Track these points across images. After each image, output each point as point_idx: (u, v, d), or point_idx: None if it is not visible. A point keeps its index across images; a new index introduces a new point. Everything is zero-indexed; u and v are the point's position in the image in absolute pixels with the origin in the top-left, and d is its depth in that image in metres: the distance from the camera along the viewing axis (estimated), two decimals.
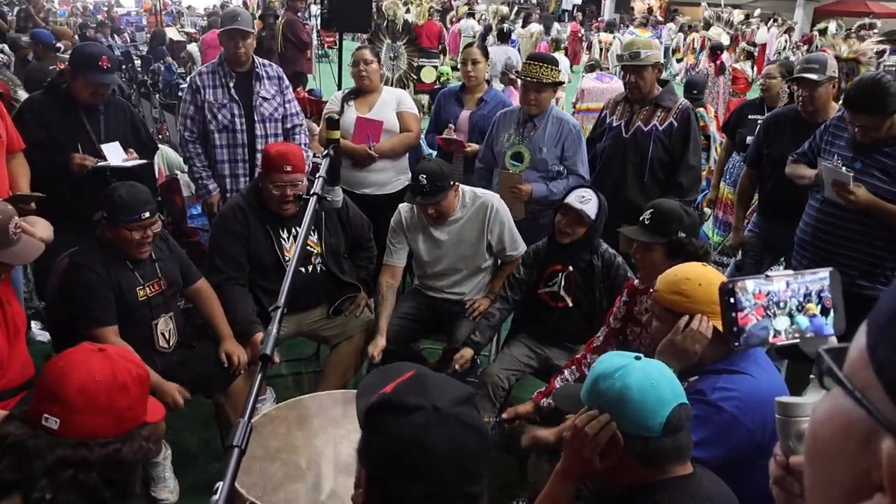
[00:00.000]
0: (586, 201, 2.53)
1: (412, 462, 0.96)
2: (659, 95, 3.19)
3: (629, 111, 3.25)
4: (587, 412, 1.35)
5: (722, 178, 4.30)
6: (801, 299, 0.93)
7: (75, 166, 2.89)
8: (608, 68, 11.66)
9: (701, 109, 4.89)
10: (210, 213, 3.48)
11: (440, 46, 10.75)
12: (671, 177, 3.18)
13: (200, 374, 2.48)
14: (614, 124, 3.27)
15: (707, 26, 12.94)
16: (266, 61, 3.56)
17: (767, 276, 0.94)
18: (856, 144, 2.59)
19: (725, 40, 9.39)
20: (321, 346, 3.29)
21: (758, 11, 18.13)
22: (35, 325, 3.35)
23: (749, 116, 4.04)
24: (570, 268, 2.63)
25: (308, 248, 2.78)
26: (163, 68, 7.70)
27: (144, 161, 3.07)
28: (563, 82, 3.73)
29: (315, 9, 11.01)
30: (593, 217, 2.53)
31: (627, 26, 16.06)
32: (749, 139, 3.68)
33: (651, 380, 1.32)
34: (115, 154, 3.01)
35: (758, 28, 16.09)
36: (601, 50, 14.02)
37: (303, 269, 2.76)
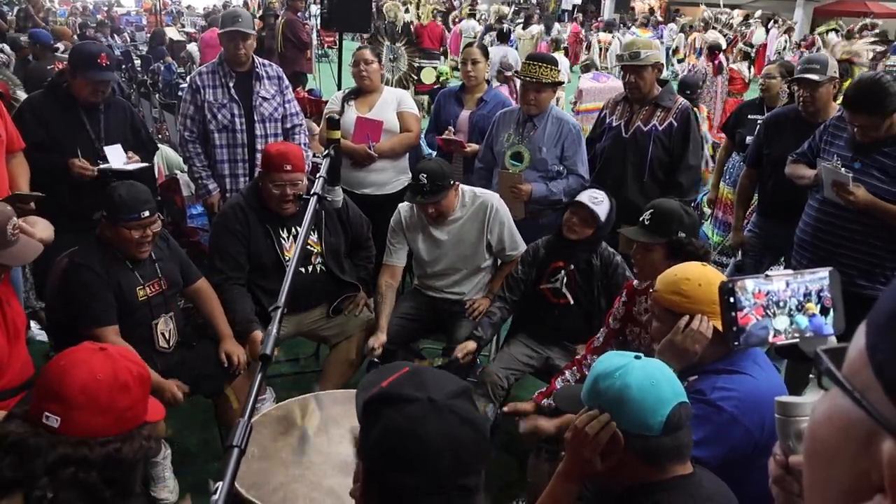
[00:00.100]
0: (599, 203, 2.54)
1: (407, 454, 0.96)
2: (659, 95, 3.19)
3: (629, 111, 3.25)
4: (587, 412, 1.35)
5: (722, 178, 4.30)
6: (801, 299, 0.93)
7: (76, 173, 2.89)
8: (607, 68, 11.67)
9: (694, 109, 4.89)
10: (210, 213, 3.48)
11: (441, 48, 10.75)
12: (671, 177, 3.18)
13: (200, 374, 2.48)
14: (614, 124, 3.28)
15: (706, 27, 12.95)
16: (266, 61, 3.56)
17: (767, 275, 0.94)
18: (855, 144, 2.60)
19: (723, 43, 9.38)
20: (321, 346, 3.29)
21: (759, 13, 18.14)
22: (34, 326, 3.35)
23: (749, 116, 4.05)
24: (572, 266, 2.64)
25: (308, 247, 2.78)
26: (162, 68, 7.70)
27: (146, 165, 3.07)
28: (563, 82, 3.73)
29: (315, 9, 11.01)
30: (603, 220, 2.54)
31: (629, 27, 16.06)
32: (749, 139, 3.68)
33: (651, 379, 1.32)
34: (116, 156, 3.01)
35: (755, 29, 16.09)
36: (600, 50, 14.04)
37: (303, 270, 2.76)
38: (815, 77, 3.05)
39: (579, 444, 1.33)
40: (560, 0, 22.36)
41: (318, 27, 9.87)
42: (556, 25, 16.99)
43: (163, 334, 2.48)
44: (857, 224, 2.59)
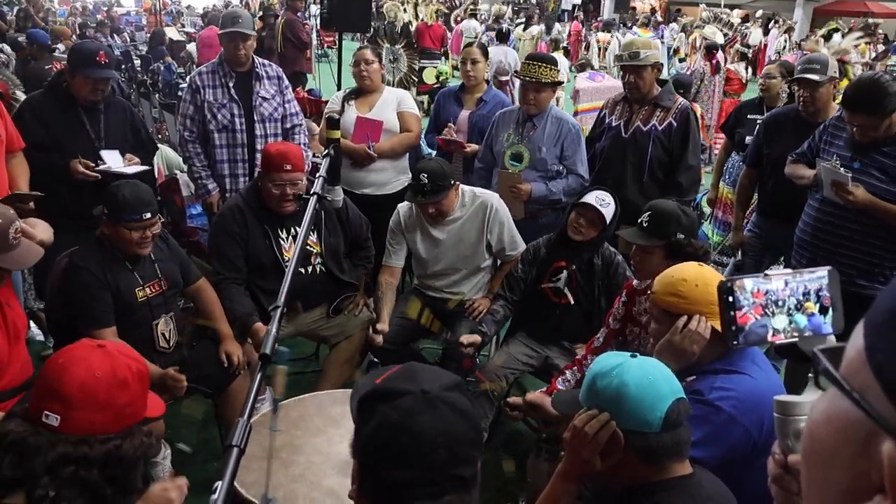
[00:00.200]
0: (606, 205, 2.54)
1: (401, 447, 0.96)
2: (658, 95, 3.19)
3: (628, 111, 3.25)
4: (586, 412, 1.35)
5: (721, 178, 4.30)
6: (800, 298, 0.93)
7: (78, 176, 2.89)
8: (605, 67, 11.66)
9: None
10: (209, 213, 3.48)
11: (442, 49, 10.76)
12: (670, 176, 3.18)
13: (200, 374, 2.48)
14: (613, 124, 3.28)
15: (704, 24, 12.95)
16: (266, 61, 3.56)
17: (766, 274, 0.94)
18: (854, 144, 2.60)
19: (720, 39, 9.36)
20: (321, 346, 3.29)
21: (759, 12, 18.13)
22: (32, 326, 3.35)
23: (748, 116, 4.05)
24: (574, 266, 2.64)
25: (308, 248, 2.78)
26: (162, 68, 7.71)
27: (146, 168, 3.06)
28: (563, 82, 3.73)
29: (315, 8, 11.01)
30: (608, 221, 2.54)
31: (630, 27, 16.06)
32: (748, 139, 3.68)
33: (648, 376, 1.32)
34: (114, 161, 3.01)
35: (752, 30, 16.09)
36: (599, 49, 14.05)
37: (302, 270, 2.76)
38: (815, 77, 3.05)
39: (579, 444, 1.33)
40: (560, 0, 22.36)
41: (318, 27, 9.87)
42: (557, 26, 17.00)
43: (163, 335, 2.48)
44: (857, 224, 2.59)
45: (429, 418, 0.96)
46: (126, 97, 6.20)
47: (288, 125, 3.49)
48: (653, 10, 20.31)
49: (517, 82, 4.69)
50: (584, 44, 16.21)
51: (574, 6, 21.32)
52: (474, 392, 2.63)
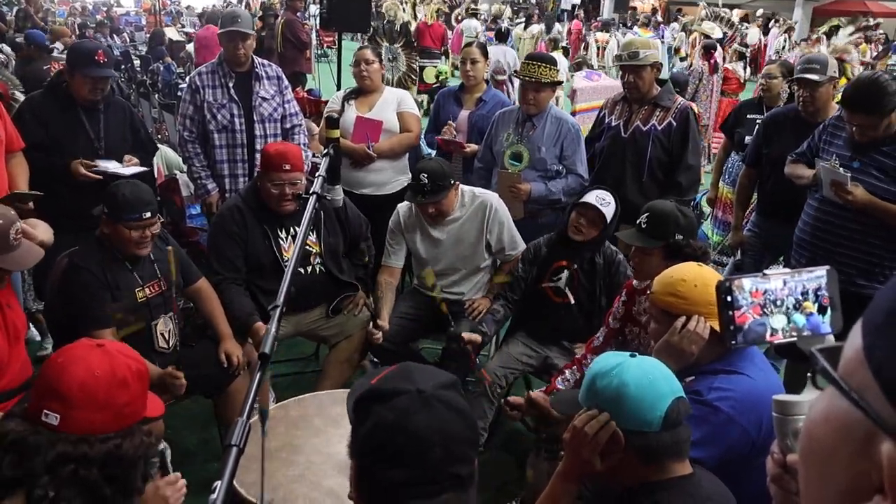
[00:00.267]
0: (606, 204, 2.54)
1: (397, 447, 0.96)
2: (658, 95, 3.19)
3: (628, 111, 3.25)
4: (586, 412, 1.35)
5: (721, 178, 4.30)
6: (799, 297, 0.93)
7: (80, 177, 2.89)
8: (604, 67, 11.66)
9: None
10: (209, 213, 3.48)
11: (443, 48, 10.75)
12: (670, 176, 3.18)
13: (200, 375, 2.47)
14: (613, 124, 3.27)
15: (710, 18, 12.91)
16: (265, 61, 3.56)
17: (764, 274, 0.94)
18: (854, 144, 2.60)
19: (718, 33, 9.34)
20: (320, 346, 3.29)
21: (760, 11, 18.14)
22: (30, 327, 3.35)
23: (748, 116, 4.05)
24: (575, 266, 2.63)
25: (307, 247, 2.78)
26: (162, 68, 7.71)
27: (144, 169, 3.06)
28: (562, 82, 3.73)
29: (314, 8, 11.00)
30: (609, 220, 2.54)
31: (630, 27, 16.05)
32: (748, 139, 3.68)
33: (648, 375, 1.32)
34: (112, 163, 3.00)
35: (749, 29, 16.07)
36: (598, 49, 14.05)
37: (302, 270, 2.76)
38: (814, 77, 3.05)
39: (579, 444, 1.33)
40: (559, 0, 22.36)
41: (318, 27, 9.86)
42: (557, 26, 17.00)
43: (162, 335, 2.48)
44: (856, 223, 2.59)
45: (424, 417, 0.96)
46: (126, 97, 6.20)
47: (287, 125, 3.49)
48: (654, 10, 20.29)
49: (516, 82, 4.69)
50: (583, 43, 16.20)
51: (573, 6, 21.32)
52: (474, 391, 2.63)
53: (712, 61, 7.54)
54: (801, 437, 0.49)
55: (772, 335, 0.94)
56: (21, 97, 3.89)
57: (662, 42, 13.71)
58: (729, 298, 0.94)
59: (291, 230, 2.76)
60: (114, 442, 1.27)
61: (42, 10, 11.58)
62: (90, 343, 1.37)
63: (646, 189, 3.15)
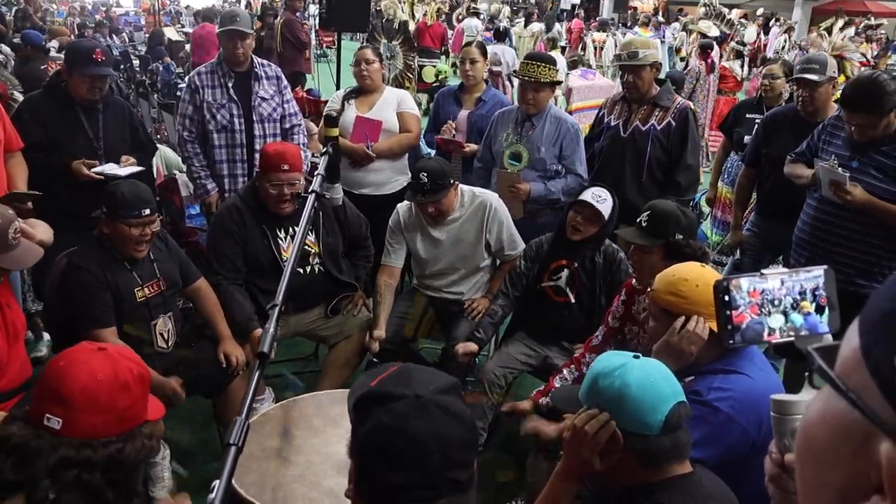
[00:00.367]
0: (602, 201, 2.53)
1: (395, 450, 0.97)
2: (657, 95, 3.19)
3: (627, 110, 3.25)
4: (586, 411, 1.35)
5: (720, 178, 4.30)
6: (796, 297, 0.93)
7: (82, 177, 2.89)
8: (602, 67, 11.65)
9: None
10: (208, 213, 3.48)
11: (442, 48, 10.75)
12: (669, 176, 3.18)
13: (199, 375, 2.48)
14: (612, 124, 3.27)
15: (709, 16, 12.90)
16: (265, 61, 3.56)
17: (762, 273, 0.95)
18: (853, 143, 2.60)
19: (715, 32, 9.34)
20: (319, 346, 3.29)
21: (760, 11, 18.13)
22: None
23: (747, 115, 4.04)
24: (576, 265, 2.63)
25: (306, 248, 2.78)
26: (161, 68, 7.70)
27: (141, 169, 3.06)
28: (562, 81, 3.74)
29: (313, 8, 11.00)
30: (607, 217, 2.53)
31: (630, 26, 16.03)
32: (747, 138, 3.68)
33: (650, 378, 1.32)
34: (109, 165, 3.00)
35: (746, 28, 16.06)
36: (595, 49, 14.03)
37: (301, 270, 2.76)
38: (814, 77, 3.05)
39: (578, 444, 1.33)
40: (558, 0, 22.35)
41: (317, 27, 9.86)
42: (557, 25, 16.99)
43: (161, 335, 2.48)
44: (855, 223, 2.59)
45: (422, 422, 0.97)
46: (125, 97, 6.20)
47: (287, 125, 3.49)
48: (656, 10, 20.27)
49: (516, 81, 4.68)
50: (581, 43, 16.18)
51: (573, 6, 21.30)
52: (474, 391, 2.63)
53: (709, 60, 7.55)
54: (798, 436, 0.48)
55: (769, 335, 0.94)
56: (20, 97, 3.89)
57: (663, 42, 13.69)
58: (726, 298, 0.94)
59: (290, 230, 2.75)
60: (116, 446, 1.27)
61: (41, 10, 11.57)
62: (92, 346, 1.37)
63: (645, 189, 3.15)
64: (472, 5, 15.00)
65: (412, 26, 10.54)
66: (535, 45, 12.35)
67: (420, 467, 0.96)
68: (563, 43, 12.90)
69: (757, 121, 3.65)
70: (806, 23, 19.15)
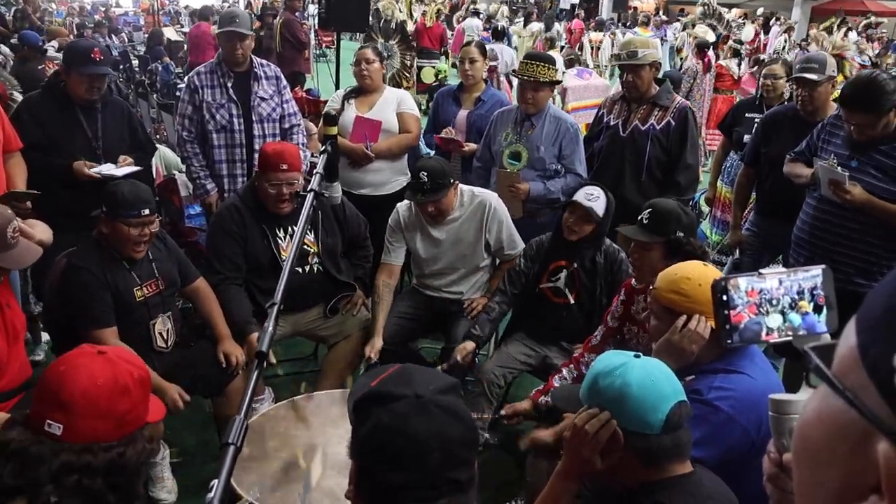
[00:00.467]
0: (595, 199, 2.53)
1: (395, 450, 0.97)
2: (656, 94, 3.19)
3: (626, 110, 3.25)
4: (587, 411, 1.35)
5: (720, 177, 4.30)
6: (794, 297, 0.93)
7: (83, 178, 2.89)
8: (598, 66, 11.65)
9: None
10: (208, 213, 3.48)
11: (442, 48, 10.75)
12: (669, 176, 3.18)
13: (198, 375, 2.48)
14: (611, 123, 3.28)
15: (706, 15, 12.92)
16: (264, 61, 3.56)
17: (760, 273, 0.95)
18: (852, 143, 2.60)
19: (711, 37, 9.35)
20: (319, 346, 3.29)
21: (760, 10, 18.14)
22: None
23: (746, 115, 4.04)
24: (575, 265, 2.63)
25: (305, 247, 2.78)
26: (160, 68, 7.70)
27: (138, 169, 3.06)
28: (561, 81, 3.74)
29: (313, 8, 10.99)
30: (601, 215, 2.53)
31: (629, 26, 16.03)
32: (746, 138, 3.68)
33: (651, 377, 1.32)
34: (106, 166, 3.00)
35: (744, 26, 16.05)
36: (592, 49, 14.05)
37: (300, 270, 2.76)
38: (813, 77, 3.05)
39: (579, 443, 1.33)
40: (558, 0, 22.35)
41: (316, 27, 9.85)
42: (556, 25, 16.99)
43: (160, 334, 2.48)
44: (855, 222, 2.59)
45: (422, 422, 0.97)
46: (124, 97, 6.20)
47: (286, 125, 3.49)
48: (657, 10, 20.26)
49: (515, 81, 4.68)
50: (578, 43, 16.17)
51: (572, 5, 21.30)
52: (473, 391, 2.63)
53: (706, 60, 7.55)
54: (795, 436, 0.48)
55: (767, 334, 0.94)
56: (20, 97, 3.89)
57: (665, 41, 13.67)
58: (724, 297, 0.94)
59: (290, 229, 2.75)
60: (117, 450, 1.27)
61: (39, 10, 11.56)
62: (92, 350, 1.37)
63: (644, 188, 3.15)
64: (473, 7, 15.00)
65: (411, 26, 10.53)
66: (535, 45, 12.35)
67: (420, 467, 0.96)
68: (562, 43, 12.87)
69: (756, 120, 3.65)
70: (805, 22, 19.17)
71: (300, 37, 8.17)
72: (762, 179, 3.35)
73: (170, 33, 10.50)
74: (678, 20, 17.58)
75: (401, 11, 10.73)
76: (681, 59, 14.36)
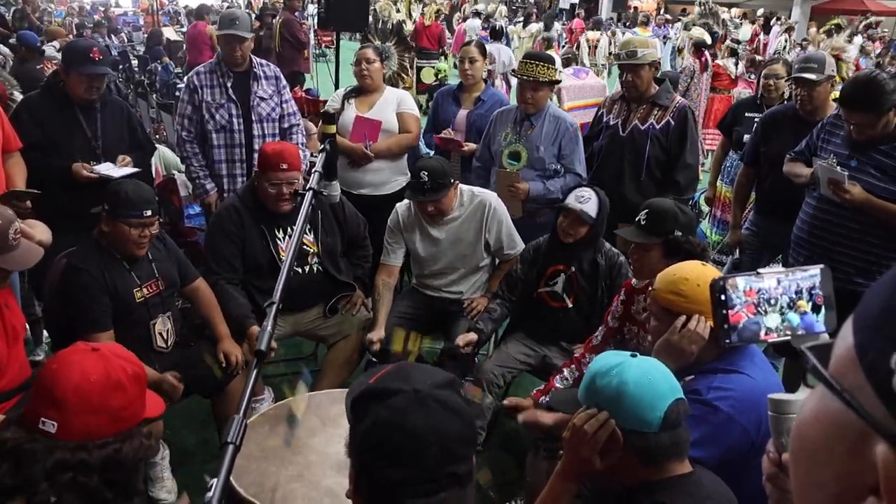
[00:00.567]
0: (585, 201, 2.52)
1: (394, 446, 0.97)
2: (656, 94, 3.19)
3: (626, 109, 3.25)
4: (585, 411, 1.35)
5: (720, 177, 4.30)
6: (793, 296, 0.93)
7: (82, 180, 2.89)
8: (596, 65, 11.65)
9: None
10: (207, 213, 3.48)
11: (440, 48, 10.75)
12: (668, 175, 3.18)
13: (198, 374, 2.48)
14: (611, 123, 3.28)
15: (703, 15, 12.92)
16: (263, 61, 3.56)
17: (758, 273, 0.95)
18: (851, 142, 2.60)
19: (708, 40, 9.38)
20: (319, 346, 3.29)
21: (761, 10, 18.14)
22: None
23: (746, 114, 4.04)
24: (573, 268, 2.63)
25: (304, 247, 2.78)
26: (160, 68, 7.70)
27: (136, 170, 3.06)
28: (560, 81, 3.74)
29: (312, 8, 10.99)
30: (594, 216, 2.52)
31: (629, 26, 16.03)
32: (746, 137, 3.68)
33: (648, 375, 1.32)
34: (104, 167, 3.00)
35: (740, 26, 16.05)
36: (589, 48, 14.06)
37: (299, 270, 2.76)
38: (812, 76, 3.05)
39: (578, 443, 1.33)
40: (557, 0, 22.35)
41: (316, 27, 9.85)
42: (556, 25, 16.99)
43: (160, 335, 2.48)
44: (854, 222, 2.59)
45: (421, 417, 0.97)
46: (123, 97, 6.20)
47: (285, 125, 3.49)
48: (658, 9, 20.25)
49: (513, 80, 4.68)
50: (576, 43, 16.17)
51: (572, 5, 21.30)
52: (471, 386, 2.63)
53: (703, 59, 7.56)
54: (792, 436, 0.48)
55: (766, 334, 0.94)
56: (20, 96, 3.89)
57: (669, 39, 13.66)
58: (723, 297, 0.94)
59: (289, 230, 2.75)
60: (113, 447, 1.27)
61: (39, 10, 11.55)
62: (85, 347, 1.37)
63: (644, 188, 3.15)
64: (474, 8, 14.99)
65: (410, 26, 10.53)
66: (534, 46, 12.35)
67: (419, 462, 0.96)
68: (562, 43, 12.87)
69: (756, 120, 3.65)
70: (805, 22, 19.17)
71: (300, 36, 8.17)
72: (762, 179, 3.35)
73: (169, 33, 10.51)
74: (679, 20, 17.58)
75: (398, 12, 10.72)
76: (682, 59, 14.35)
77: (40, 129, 2.95)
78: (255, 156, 3.20)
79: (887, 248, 2.60)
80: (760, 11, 18.30)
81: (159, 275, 2.47)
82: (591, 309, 2.63)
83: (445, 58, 10.90)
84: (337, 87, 5.11)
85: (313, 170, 1.70)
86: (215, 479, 0.89)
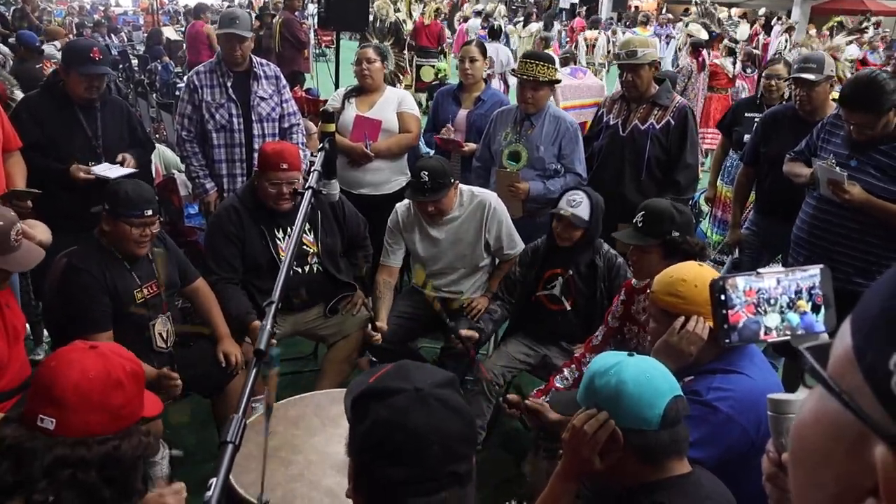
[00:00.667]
0: (577, 204, 2.52)
1: (395, 445, 0.97)
2: (656, 94, 3.19)
3: (626, 109, 3.25)
4: (585, 411, 1.35)
5: (720, 177, 4.30)
6: (792, 296, 0.93)
7: (79, 181, 2.88)
8: (593, 64, 11.64)
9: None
10: (207, 213, 3.48)
11: (439, 47, 10.75)
12: (668, 175, 3.18)
13: (198, 374, 2.48)
14: (611, 122, 3.27)
15: (701, 15, 12.92)
16: (263, 61, 3.56)
17: (758, 273, 0.95)
18: (851, 142, 2.60)
19: (704, 35, 9.39)
20: (319, 345, 3.29)
21: (762, 10, 18.13)
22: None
23: (746, 114, 4.04)
24: (571, 272, 2.63)
25: (304, 247, 2.78)
26: (160, 68, 7.70)
27: (134, 171, 3.05)
28: (560, 80, 3.74)
29: (312, 8, 10.98)
30: (587, 218, 2.52)
31: (629, 25, 16.01)
32: (746, 137, 3.68)
33: (646, 374, 1.32)
34: (103, 167, 3.00)
35: (738, 25, 16.02)
36: (587, 47, 14.07)
37: (299, 270, 2.76)
38: (811, 77, 3.05)
39: (578, 443, 1.33)
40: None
41: (316, 26, 9.85)
42: (556, 25, 16.99)
43: (160, 335, 2.48)
44: (854, 222, 2.59)
45: (422, 415, 0.97)
46: (124, 97, 6.20)
47: (285, 125, 3.49)
48: (659, 9, 20.23)
49: (511, 80, 4.69)
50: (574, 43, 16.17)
51: (572, 5, 21.29)
52: (473, 389, 2.63)
53: (700, 59, 7.56)
54: (791, 437, 0.48)
55: (766, 334, 0.94)
56: (20, 96, 3.89)
57: (672, 38, 13.63)
58: (722, 297, 0.94)
59: (288, 230, 2.75)
60: (112, 444, 1.27)
61: (38, 10, 11.55)
62: (84, 345, 1.37)
63: (644, 188, 3.15)
64: (475, 8, 14.98)
65: (410, 26, 10.52)
66: (534, 45, 12.35)
67: (419, 461, 0.96)
68: (563, 42, 12.85)
69: (756, 120, 3.65)
70: (805, 22, 19.16)
71: (300, 36, 8.17)
72: (762, 179, 3.36)
73: (169, 33, 10.51)
74: (681, 19, 17.58)
75: (398, 11, 10.70)
76: (680, 58, 14.32)
77: (40, 129, 2.95)
78: (255, 155, 3.20)
79: (887, 248, 2.60)
80: (762, 11, 18.28)
81: (159, 275, 2.47)
82: (589, 311, 2.63)
83: (444, 56, 10.90)
84: (337, 86, 5.10)
85: (312, 168, 1.70)
86: (214, 479, 0.89)
